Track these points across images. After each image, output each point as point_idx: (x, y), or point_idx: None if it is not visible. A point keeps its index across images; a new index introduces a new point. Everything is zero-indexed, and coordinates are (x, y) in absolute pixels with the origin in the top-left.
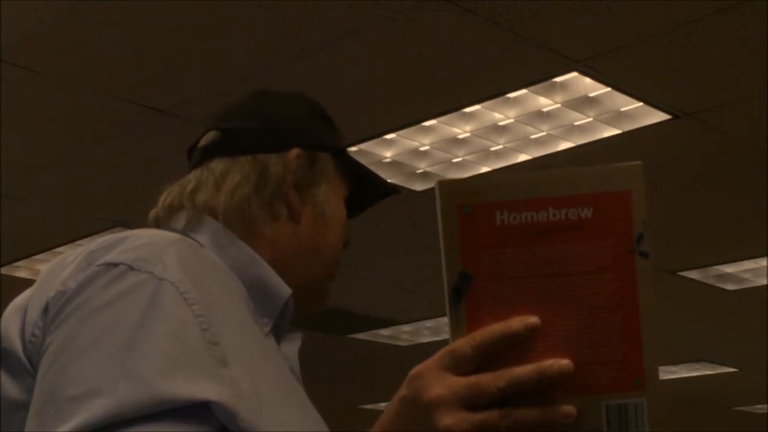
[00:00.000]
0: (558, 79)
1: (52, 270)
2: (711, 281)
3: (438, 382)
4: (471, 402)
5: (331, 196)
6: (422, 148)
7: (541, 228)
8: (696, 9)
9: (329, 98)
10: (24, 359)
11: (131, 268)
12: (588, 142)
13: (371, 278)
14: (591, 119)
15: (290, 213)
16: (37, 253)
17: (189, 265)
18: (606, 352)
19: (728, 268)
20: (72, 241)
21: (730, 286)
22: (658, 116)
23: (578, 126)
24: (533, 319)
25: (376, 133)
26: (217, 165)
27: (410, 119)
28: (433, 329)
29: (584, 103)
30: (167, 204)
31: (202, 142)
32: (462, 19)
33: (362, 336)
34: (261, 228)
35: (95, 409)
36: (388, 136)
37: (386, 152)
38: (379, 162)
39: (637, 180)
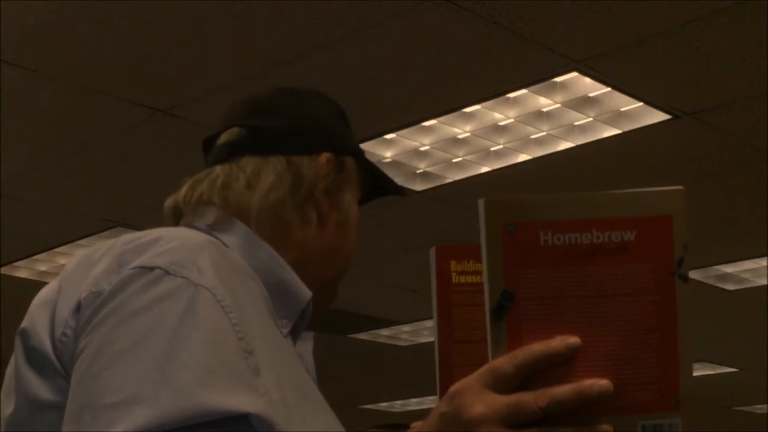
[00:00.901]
0: (558, 79)
1: (79, 266)
2: (711, 281)
3: (480, 400)
4: (512, 421)
5: (352, 201)
6: (422, 148)
7: (584, 249)
8: (696, 9)
9: None
10: (54, 359)
11: (167, 273)
12: (588, 142)
13: (371, 278)
14: (591, 119)
15: (319, 218)
16: (37, 253)
17: (222, 270)
18: (644, 373)
19: (728, 268)
20: (72, 241)
21: (730, 286)
22: (658, 116)
23: (578, 126)
24: (574, 340)
25: (376, 133)
26: (248, 163)
27: (410, 119)
28: (433, 329)
29: (584, 103)
30: (196, 196)
31: (225, 138)
32: (462, 19)
33: (362, 336)
34: (292, 231)
35: (136, 419)
36: (388, 136)
37: (386, 152)
38: (379, 162)
39: (679, 204)
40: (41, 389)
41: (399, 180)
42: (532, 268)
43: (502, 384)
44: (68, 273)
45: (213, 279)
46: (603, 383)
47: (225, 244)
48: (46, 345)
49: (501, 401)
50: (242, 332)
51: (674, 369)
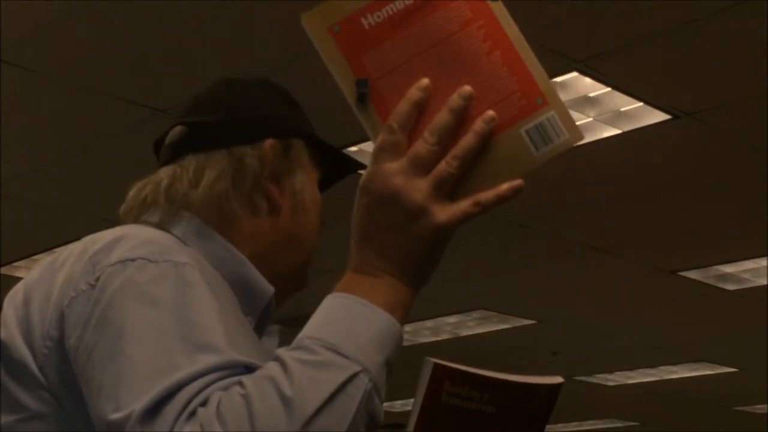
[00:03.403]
0: (558, 79)
1: (43, 275)
2: (711, 281)
3: (389, 175)
4: (420, 169)
5: (307, 184)
6: None
7: (402, 14)
8: (696, 9)
9: (329, 99)
10: (36, 371)
11: (149, 261)
12: (588, 142)
13: None
14: (591, 119)
15: (271, 206)
16: (37, 253)
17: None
18: (502, 87)
19: (728, 268)
20: (72, 241)
21: (730, 286)
22: (658, 116)
23: (578, 126)
24: (424, 81)
25: None
26: (191, 161)
27: None
28: (433, 329)
29: (584, 103)
30: (140, 199)
31: (170, 138)
32: None
33: None
34: (241, 223)
35: (182, 369)
36: None
37: None
38: None
39: None
40: (26, 400)
41: None
42: (370, 50)
43: (393, 152)
44: (32, 283)
45: (193, 263)
46: (462, 89)
47: (178, 238)
48: (27, 358)
49: (403, 162)
50: (225, 312)
51: (526, 74)
